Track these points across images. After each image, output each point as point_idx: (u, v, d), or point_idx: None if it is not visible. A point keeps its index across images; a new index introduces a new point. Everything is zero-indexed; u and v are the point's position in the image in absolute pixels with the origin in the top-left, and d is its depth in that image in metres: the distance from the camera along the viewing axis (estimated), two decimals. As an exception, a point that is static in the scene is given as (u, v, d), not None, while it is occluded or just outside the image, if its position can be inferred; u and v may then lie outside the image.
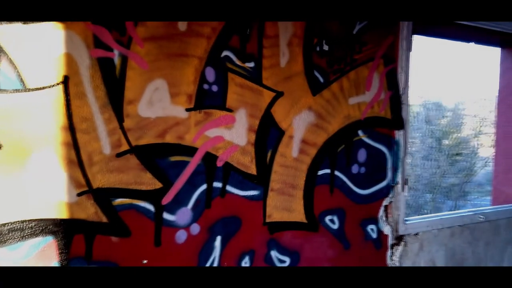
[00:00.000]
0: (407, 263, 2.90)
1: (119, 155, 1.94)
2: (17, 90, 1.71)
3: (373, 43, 2.63)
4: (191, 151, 2.12)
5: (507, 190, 3.85)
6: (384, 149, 2.74)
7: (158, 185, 2.04)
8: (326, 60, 2.47)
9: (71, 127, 1.83)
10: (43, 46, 1.76)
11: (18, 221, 1.75)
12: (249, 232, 2.31)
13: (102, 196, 1.92)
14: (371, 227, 2.74)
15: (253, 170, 2.30)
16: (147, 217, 2.03)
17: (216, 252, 2.22)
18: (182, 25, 2.03)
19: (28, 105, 1.74)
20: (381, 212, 2.77)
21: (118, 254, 1.97)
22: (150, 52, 1.98)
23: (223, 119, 2.19)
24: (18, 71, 1.71)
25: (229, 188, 2.24)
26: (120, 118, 1.93)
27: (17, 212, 1.75)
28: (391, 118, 2.75)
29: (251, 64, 2.24)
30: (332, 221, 2.58)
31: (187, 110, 2.09)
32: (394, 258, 2.84)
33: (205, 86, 2.13)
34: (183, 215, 2.12)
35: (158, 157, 2.03)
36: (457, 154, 14.12)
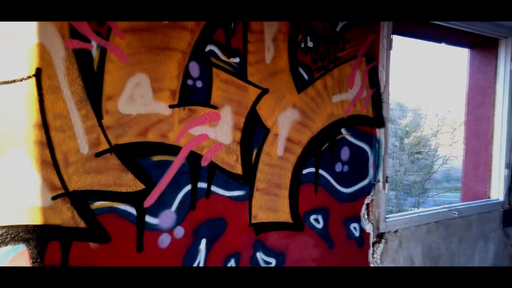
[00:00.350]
0: (388, 260, 2.92)
1: (97, 154, 1.80)
2: (-17, 83, 1.54)
3: (356, 40, 2.62)
4: (174, 150, 2.00)
5: (475, 186, 3.98)
6: (366, 147, 2.74)
7: (140, 186, 1.92)
8: (310, 57, 2.43)
9: (44, 125, 1.67)
10: (12, 35, 1.59)
11: (-15, 229, 1.58)
12: (235, 234, 2.22)
13: (79, 200, 1.77)
14: (353, 226, 2.73)
15: (238, 169, 2.21)
16: (128, 221, 1.90)
17: (201, 256, 2.12)
18: (165, 17, 1.92)
19: (-4, 99, 1.57)
20: (363, 210, 2.77)
21: (97, 261, 1.83)
22: (130, 44, 1.86)
23: (207, 116, 2.09)
24: (-16, 62, 1.54)
25: (214, 188, 2.14)
26: (98, 115, 1.79)
27: (-17, 219, 1.58)
28: (372, 116, 2.75)
29: (236, 60, 2.16)
30: (316, 220, 2.54)
31: (171, 106, 1.98)
32: (376, 256, 2.85)
33: (189, 82, 2.02)
34: (166, 217, 2.00)
35: (140, 156, 1.91)
36: (417, 153, 14.68)
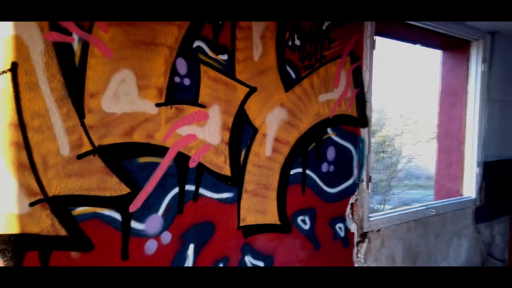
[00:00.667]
0: (371, 259, 2.93)
1: (79, 156, 1.67)
2: (-49, 78, 1.38)
3: (341, 40, 2.61)
4: (161, 151, 1.90)
5: (448, 184, 4.10)
6: (350, 147, 2.73)
7: (125, 190, 1.80)
8: (297, 55, 2.38)
9: (21, 125, 1.53)
10: (-14, 25, 1.44)
11: (-46, 240, 1.42)
12: (223, 238, 2.14)
13: (59, 205, 1.63)
14: (339, 226, 2.72)
15: (227, 171, 2.13)
16: (113, 227, 1.78)
17: (189, 262, 2.02)
18: (151, 10, 1.81)
19: (-34, 96, 1.41)
20: (348, 210, 2.76)
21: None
22: (115, 38, 1.74)
23: (195, 115, 2.00)
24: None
25: (202, 191, 2.05)
26: (80, 114, 1.66)
27: (-48, 229, 1.42)
28: (357, 116, 2.75)
29: (225, 57, 2.08)
30: (304, 221, 2.50)
31: (157, 105, 1.87)
32: (360, 256, 2.86)
33: (177, 79, 1.92)
34: (153, 222, 1.90)
35: (125, 158, 1.79)
36: (382, 152, 15.09)
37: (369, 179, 2.87)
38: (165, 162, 1.91)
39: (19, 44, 1.51)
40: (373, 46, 2.81)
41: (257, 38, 2.19)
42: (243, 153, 2.19)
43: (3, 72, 1.48)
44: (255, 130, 2.22)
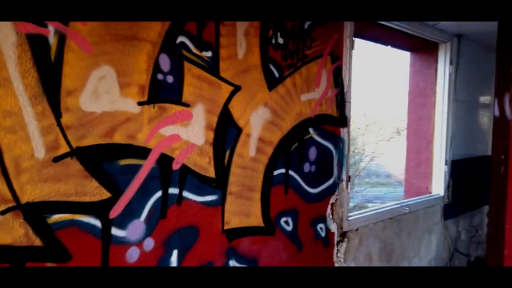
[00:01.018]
0: (350, 259, 2.94)
1: (56, 159, 1.53)
2: None
3: (322, 39, 2.59)
4: (144, 152, 1.79)
5: (418, 182, 4.21)
6: (331, 146, 2.73)
7: (105, 194, 1.68)
8: (280, 53, 2.34)
9: (-10, 124, 1.38)
10: (-51, 13, 1.28)
11: None
12: (207, 242, 2.06)
13: (34, 213, 1.49)
14: (320, 226, 2.70)
15: (211, 172, 2.05)
16: (92, 235, 1.65)
17: (173, 269, 1.92)
18: (133, 2, 1.70)
19: None
20: (329, 210, 2.76)
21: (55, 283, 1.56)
22: (94, 31, 1.61)
23: (179, 115, 1.90)
24: None
25: (186, 194, 1.96)
26: (57, 113, 1.53)
27: None
28: (337, 116, 2.75)
29: (209, 54, 2.00)
30: (286, 222, 2.46)
31: (140, 104, 1.76)
32: (340, 255, 2.86)
33: (160, 76, 1.82)
34: (135, 229, 1.78)
35: (105, 160, 1.67)
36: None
37: (349, 179, 2.88)
38: (148, 164, 1.81)
39: (-12, 35, 1.36)
40: (352, 46, 2.82)
41: (241, 35, 2.13)
42: (227, 154, 2.12)
43: (-30, 66, 1.33)
44: (239, 130, 2.16)
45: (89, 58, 1.60)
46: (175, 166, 1.90)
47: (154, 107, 1.81)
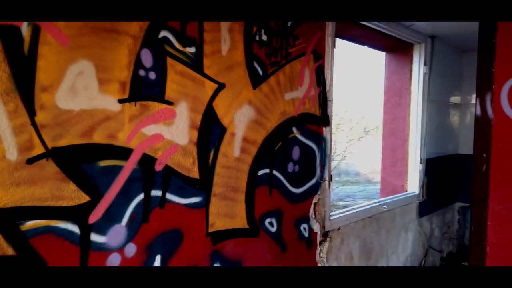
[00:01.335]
0: (332, 258, 2.93)
1: (30, 161, 1.41)
2: None
3: (304, 37, 2.56)
4: (125, 153, 1.69)
5: (394, 181, 4.28)
6: (314, 146, 2.70)
7: (84, 198, 1.57)
8: (264, 51, 2.29)
9: (-45, 123, 1.25)
10: None
11: None
12: (192, 246, 1.98)
13: (5, 220, 1.37)
14: (303, 226, 2.67)
15: (195, 173, 1.97)
16: (70, 242, 1.54)
17: (156, 275, 1.83)
18: (114, -7, 1.59)
19: None
20: (312, 210, 2.73)
21: (30, 296, 1.43)
22: (71, 23, 1.50)
23: (162, 113, 1.81)
24: None
25: (169, 196, 1.87)
26: (31, 111, 1.41)
27: None
28: (319, 115, 2.73)
29: (192, 49, 1.92)
30: (271, 224, 2.41)
31: (120, 101, 1.66)
32: (322, 255, 2.84)
33: (141, 72, 1.72)
34: (116, 234, 1.68)
35: (84, 162, 1.56)
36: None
37: (331, 178, 2.87)
38: (129, 165, 1.70)
39: (-47, 24, 1.23)
40: (334, 45, 2.81)
41: (225, 31, 2.06)
42: (211, 154, 2.04)
43: None
44: (223, 130, 2.08)
45: (66, 52, 1.48)
46: (158, 167, 1.81)
47: (135, 105, 1.71)
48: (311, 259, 2.77)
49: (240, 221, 2.22)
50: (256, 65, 2.24)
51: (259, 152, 2.29)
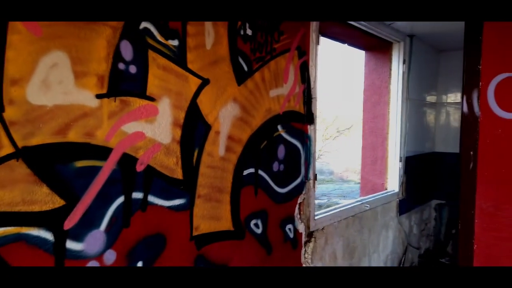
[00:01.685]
0: (317, 259, 2.88)
1: (-3, 162, 1.27)
2: None
3: (289, 33, 2.49)
4: (103, 152, 1.56)
5: (374, 179, 4.28)
6: (298, 144, 2.64)
7: (58, 202, 1.43)
8: (249, 46, 2.20)
9: None
10: None
11: None
12: (175, 251, 1.87)
13: (-31, 228, 1.22)
14: (289, 227, 2.60)
15: (178, 174, 1.86)
16: (43, 250, 1.40)
17: (138, 283, 1.71)
18: (91, -21, 1.47)
19: None
20: (297, 210, 2.67)
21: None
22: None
23: (143, 110, 1.69)
24: None
25: (151, 198, 1.75)
26: (-2, 106, 1.27)
27: None
28: (304, 113, 2.67)
29: (175, 42, 1.81)
30: (256, 225, 2.33)
31: (98, 96, 1.53)
32: (307, 256, 2.78)
33: (121, 66, 1.60)
34: (94, 240, 1.55)
35: (58, 162, 1.43)
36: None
37: (315, 177, 2.81)
38: (108, 166, 1.58)
39: None
40: (318, 41, 2.75)
41: (209, 23, 1.96)
42: (195, 153, 1.94)
43: None
44: (208, 127, 1.99)
45: (38, 42, 1.35)
46: (139, 167, 1.69)
47: (115, 101, 1.59)
48: (296, 260, 2.70)
49: (225, 224, 2.13)
50: (241, 60, 2.15)
51: (244, 151, 2.20)
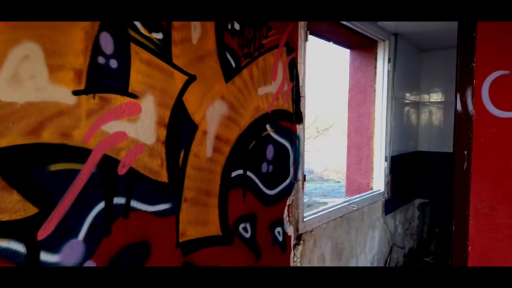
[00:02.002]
0: (305, 262, 2.80)
1: (-41, 166, 1.13)
2: None
3: (277, 28, 2.39)
4: (82, 154, 1.43)
5: (359, 179, 4.24)
6: (287, 144, 2.54)
7: (31, 210, 1.29)
8: (237, 41, 2.09)
9: None
10: None
11: None
12: (160, 259, 1.74)
13: None
14: (278, 230, 2.51)
15: (163, 176, 1.74)
16: (15, 264, 1.26)
17: (120, 295, 1.58)
18: (66, -37, 1.33)
19: None
20: (286, 212, 2.57)
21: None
22: (13, -4, 1.22)
23: (125, 108, 1.56)
24: None
25: (134, 203, 1.62)
26: (-40, 103, 1.12)
27: None
28: (292, 112, 2.58)
29: (159, 36, 1.68)
30: (245, 229, 2.22)
31: (75, 93, 1.40)
32: (296, 260, 2.70)
33: (101, 60, 1.47)
34: (71, 251, 1.41)
35: (31, 166, 1.28)
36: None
37: (304, 178, 2.73)
38: (87, 169, 1.44)
39: None
40: (306, 38, 2.67)
41: (195, 16, 1.84)
42: (182, 155, 1.82)
43: None
44: (195, 127, 1.87)
45: (8, 32, 1.21)
46: (121, 170, 1.56)
47: (94, 98, 1.45)
48: (285, 264, 2.61)
49: (213, 228, 2.01)
50: (228, 56, 2.04)
51: (233, 151, 2.09)
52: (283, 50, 2.46)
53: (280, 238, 2.54)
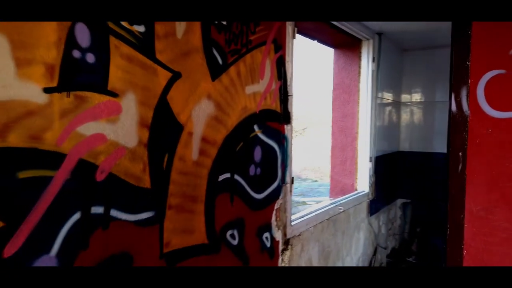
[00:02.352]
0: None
1: None
2: None
3: (265, 24, 2.28)
4: (54, 159, 1.27)
5: (343, 180, 4.18)
6: (275, 145, 2.44)
7: (-5, 224, 1.13)
8: (224, 36, 1.97)
9: None
10: None
11: None
12: (143, 272, 1.60)
13: None
14: (265, 236, 2.39)
15: (146, 182, 1.59)
16: (-25, 287, 1.10)
17: (99, 315, 1.43)
18: None
19: None
20: (273, 216, 2.46)
21: None
22: (-28, -22, 1.06)
23: (104, 107, 1.41)
24: None
25: (114, 213, 1.48)
26: None
27: None
28: (280, 112, 2.47)
29: (141, 29, 1.54)
30: (232, 236, 2.10)
31: (47, 90, 1.24)
32: (284, 265, 2.59)
33: (76, 54, 1.32)
34: (43, 268, 1.26)
35: (-5, 173, 1.12)
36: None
37: (292, 181, 2.63)
38: (60, 176, 1.29)
39: None
40: (293, 35, 2.57)
41: (180, 9, 1.70)
42: (166, 158, 1.68)
43: None
44: (180, 128, 1.73)
45: (-35, 19, 1.04)
46: (100, 176, 1.41)
47: (68, 96, 1.30)
48: (273, 271, 2.50)
49: (199, 237, 1.88)
50: (215, 52, 1.91)
51: (220, 154, 1.97)
52: (271, 47, 2.35)
53: (268, 244, 2.42)
